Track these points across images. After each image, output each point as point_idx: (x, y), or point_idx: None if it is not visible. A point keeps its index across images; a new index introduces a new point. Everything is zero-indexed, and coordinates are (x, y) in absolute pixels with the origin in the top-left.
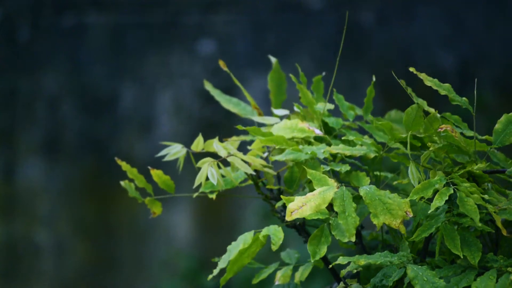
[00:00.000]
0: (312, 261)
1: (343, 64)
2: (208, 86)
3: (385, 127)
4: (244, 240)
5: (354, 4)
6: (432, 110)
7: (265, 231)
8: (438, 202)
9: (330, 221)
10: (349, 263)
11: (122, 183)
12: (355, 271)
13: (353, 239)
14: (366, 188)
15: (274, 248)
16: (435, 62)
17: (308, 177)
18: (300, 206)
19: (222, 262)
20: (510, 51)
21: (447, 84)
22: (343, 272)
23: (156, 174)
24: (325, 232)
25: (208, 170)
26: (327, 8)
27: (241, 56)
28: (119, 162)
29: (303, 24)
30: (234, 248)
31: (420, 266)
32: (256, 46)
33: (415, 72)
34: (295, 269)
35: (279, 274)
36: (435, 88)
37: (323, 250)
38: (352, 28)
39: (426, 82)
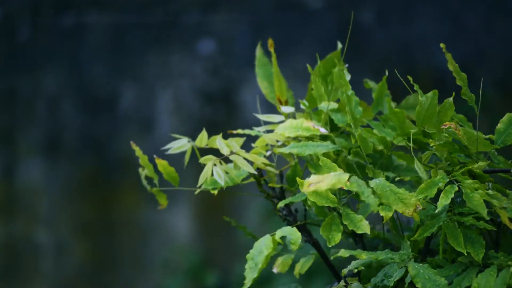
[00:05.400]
0: (329, 245)
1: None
2: (258, 52)
3: (398, 117)
4: (265, 245)
5: (354, 4)
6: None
7: (279, 232)
8: (444, 200)
9: (340, 211)
10: (350, 262)
11: (140, 169)
12: (355, 270)
13: (366, 224)
14: (376, 181)
15: (294, 248)
16: (435, 62)
17: (320, 163)
18: (318, 182)
19: (251, 272)
20: (510, 51)
21: (464, 74)
22: (344, 272)
23: (162, 164)
24: (335, 220)
25: (214, 170)
26: (327, 7)
27: (241, 56)
28: (134, 147)
29: (303, 23)
30: (258, 255)
31: (421, 264)
32: (256, 46)
33: (444, 50)
34: (296, 259)
35: (279, 260)
36: (455, 75)
37: (337, 237)
38: (352, 28)
39: (450, 65)
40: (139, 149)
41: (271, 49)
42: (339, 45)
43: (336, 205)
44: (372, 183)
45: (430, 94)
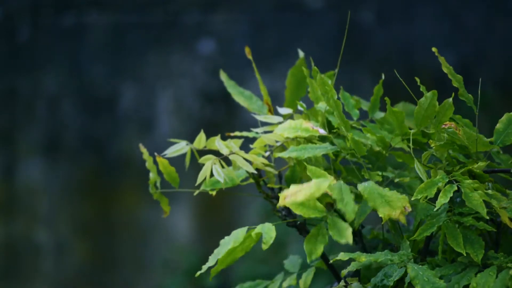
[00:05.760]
0: (308, 261)
1: (343, 64)
2: (223, 77)
3: (398, 117)
4: (235, 237)
5: (354, 4)
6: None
7: (258, 228)
8: (443, 199)
9: (327, 220)
10: (349, 262)
11: (150, 176)
12: (355, 269)
13: (349, 234)
14: (364, 184)
15: (264, 247)
16: (435, 62)
17: (308, 173)
18: (294, 193)
19: (213, 258)
20: (510, 51)
21: (459, 76)
22: (344, 273)
23: (162, 163)
24: (321, 231)
25: (213, 169)
26: (327, 8)
27: (241, 56)
28: (142, 149)
29: (303, 24)
30: (225, 245)
31: (420, 266)
32: (256, 46)
33: (436, 54)
34: (299, 276)
35: (284, 285)
36: (450, 77)
37: (320, 250)
38: (352, 28)
39: (444, 68)
40: (146, 150)
41: (249, 57)
42: (301, 54)
43: (325, 214)
44: (360, 186)
45: (429, 94)
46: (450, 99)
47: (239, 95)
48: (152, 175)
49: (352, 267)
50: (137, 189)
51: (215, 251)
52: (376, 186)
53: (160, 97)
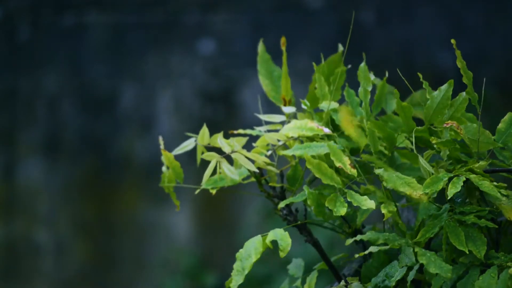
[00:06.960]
0: (335, 215)
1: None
2: (260, 48)
3: (405, 112)
4: (255, 249)
5: (354, 4)
6: (462, 93)
7: (271, 235)
8: (454, 190)
9: (344, 191)
10: (350, 263)
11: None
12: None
13: (371, 202)
14: (381, 169)
15: (282, 255)
16: (435, 62)
17: (307, 166)
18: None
19: (237, 276)
20: (510, 51)
21: (471, 73)
22: (355, 256)
23: (168, 157)
24: (339, 198)
25: (223, 167)
26: (327, 7)
27: (241, 56)
28: (160, 141)
29: (303, 24)
30: (247, 258)
31: (428, 251)
32: (256, 46)
33: (454, 46)
34: (303, 280)
35: None
36: (462, 72)
37: (343, 210)
38: (352, 28)
39: (458, 62)
40: (164, 149)
41: (283, 48)
42: (340, 47)
43: (340, 186)
44: (377, 170)
45: (444, 86)
46: (464, 93)
47: (266, 75)
48: (164, 169)
49: (369, 250)
50: (137, 189)
51: (237, 267)
52: (392, 170)
53: (160, 97)
